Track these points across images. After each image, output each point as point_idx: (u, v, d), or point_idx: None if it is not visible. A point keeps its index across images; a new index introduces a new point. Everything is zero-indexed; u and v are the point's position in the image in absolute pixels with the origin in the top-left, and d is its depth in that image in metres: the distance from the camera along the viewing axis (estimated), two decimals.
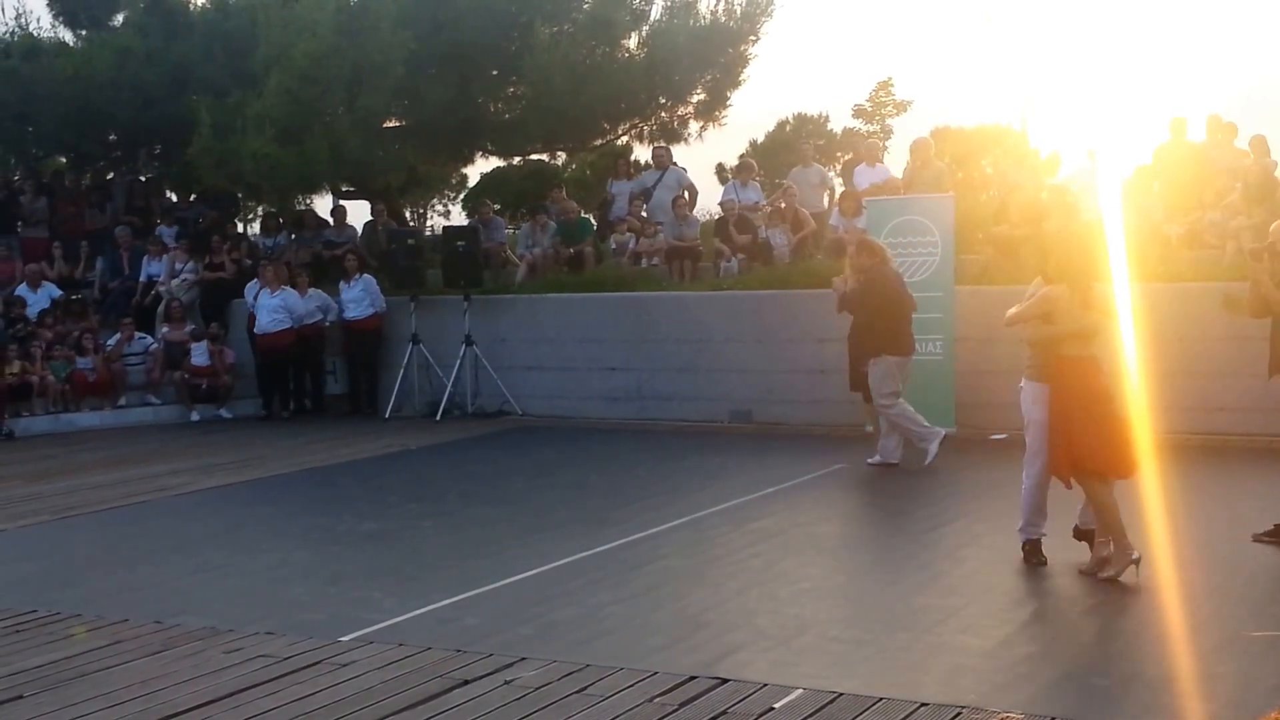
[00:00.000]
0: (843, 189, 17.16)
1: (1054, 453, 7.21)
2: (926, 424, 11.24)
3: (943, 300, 12.92)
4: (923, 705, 5.24)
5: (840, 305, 11.49)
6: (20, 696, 5.79)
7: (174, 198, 20.43)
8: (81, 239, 18.64)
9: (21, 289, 17.13)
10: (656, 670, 5.78)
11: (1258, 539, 7.84)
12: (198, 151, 17.13)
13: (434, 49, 17.25)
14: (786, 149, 23.32)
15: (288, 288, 16.22)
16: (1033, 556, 7.55)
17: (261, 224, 20.06)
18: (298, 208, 19.76)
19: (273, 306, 16.09)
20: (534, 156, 21.38)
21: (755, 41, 18.55)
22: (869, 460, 11.32)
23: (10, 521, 10.05)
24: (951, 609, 6.70)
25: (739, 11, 18.27)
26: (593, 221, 17.93)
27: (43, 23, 26.20)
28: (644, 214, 16.77)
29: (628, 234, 16.59)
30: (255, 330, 16.27)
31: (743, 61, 18.70)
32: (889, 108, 50.50)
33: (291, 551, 8.77)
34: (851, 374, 11.92)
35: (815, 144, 22.50)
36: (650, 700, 5.42)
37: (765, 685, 5.55)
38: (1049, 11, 66.12)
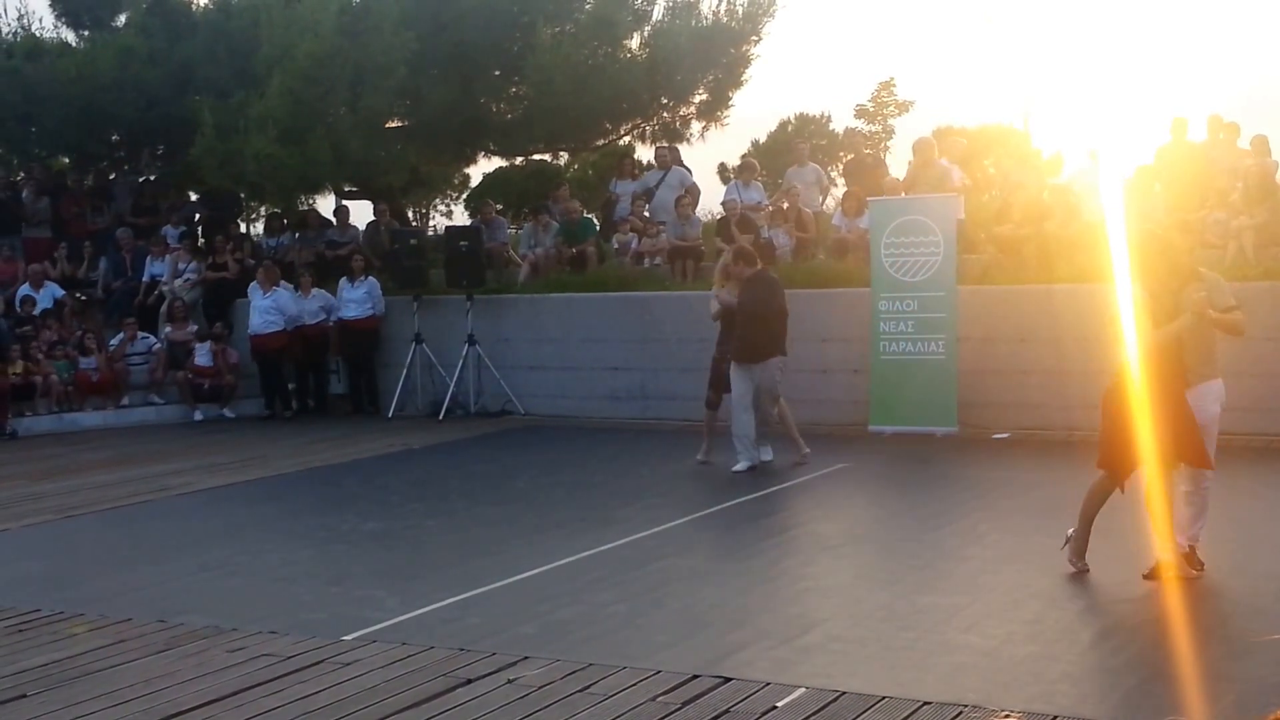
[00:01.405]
0: (845, 188, 17.17)
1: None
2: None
3: (945, 300, 12.93)
4: (925, 704, 5.25)
5: (733, 312, 11.17)
6: (24, 695, 5.80)
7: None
8: (85, 239, 18.66)
9: (25, 289, 17.14)
10: (659, 669, 5.79)
11: None
12: (201, 152, 17.15)
13: (436, 49, 17.26)
14: (788, 149, 23.42)
15: (280, 288, 16.24)
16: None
17: (265, 224, 20.09)
18: (301, 208, 19.78)
19: (264, 308, 16.13)
20: (536, 157, 21.40)
21: (757, 41, 18.58)
22: (735, 469, 11.04)
23: (14, 521, 10.06)
24: (954, 608, 6.71)
25: (741, 11, 18.28)
26: (595, 221, 17.94)
27: (45, 23, 26.19)
28: (646, 214, 16.78)
29: (630, 234, 16.60)
30: (249, 331, 16.32)
31: (744, 61, 18.71)
32: (891, 108, 50.56)
33: (294, 551, 8.78)
34: (721, 381, 11.47)
35: (813, 144, 22.41)
36: (653, 699, 5.42)
37: (768, 684, 5.56)
38: (1049, 11, 66.07)
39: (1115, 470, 7.26)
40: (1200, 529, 7.23)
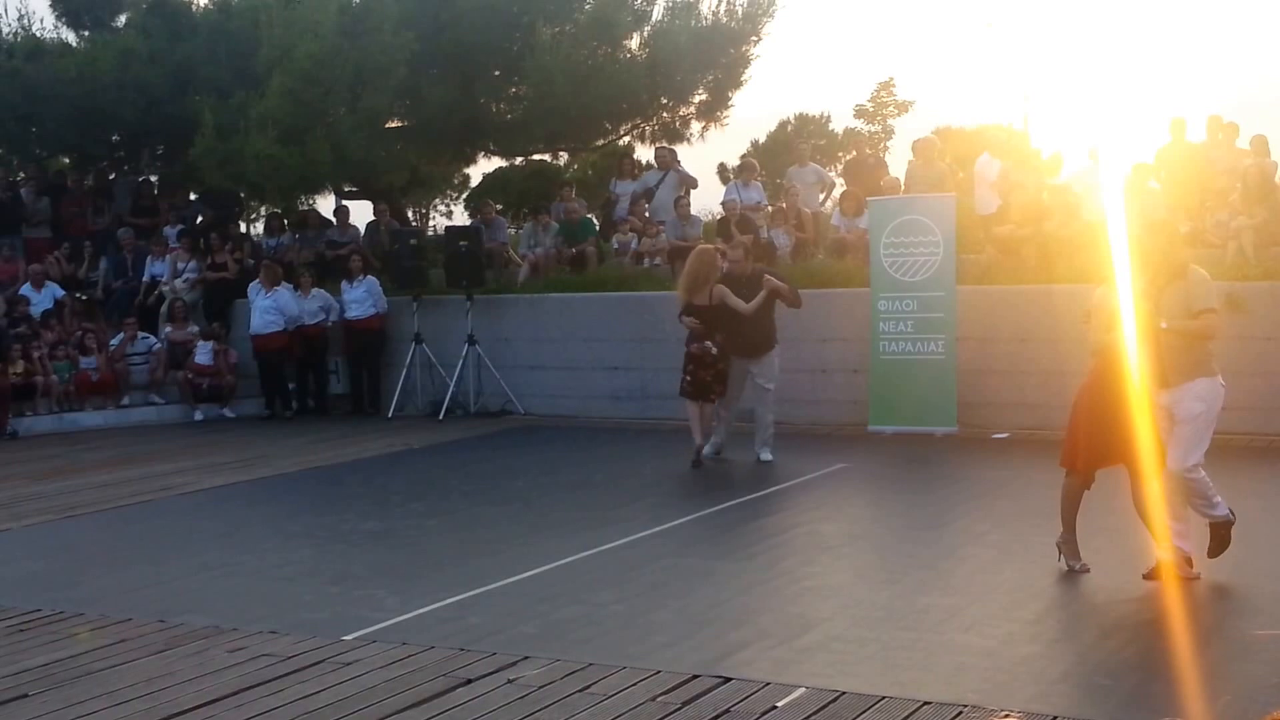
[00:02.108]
0: (844, 188, 17.20)
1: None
2: None
3: (944, 300, 12.94)
4: (925, 704, 5.25)
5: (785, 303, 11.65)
6: (25, 695, 5.80)
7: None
8: (85, 239, 18.67)
9: (25, 289, 17.15)
10: (659, 669, 5.79)
11: None
12: (201, 152, 17.16)
13: (436, 49, 17.27)
14: (788, 149, 23.57)
15: (281, 288, 16.25)
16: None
17: (265, 224, 20.10)
18: (301, 208, 19.79)
19: (265, 308, 16.13)
20: (536, 157, 21.42)
21: (757, 42, 18.62)
22: (708, 454, 11.67)
23: (15, 521, 10.07)
24: (954, 608, 6.71)
25: (740, 12, 18.31)
26: (595, 221, 17.95)
27: (46, 23, 26.27)
28: (646, 214, 16.80)
29: (630, 234, 16.61)
30: (250, 331, 16.33)
31: (744, 62, 18.74)
32: (890, 108, 50.65)
33: (295, 551, 8.78)
34: (727, 376, 11.72)
35: (814, 144, 22.50)
36: (653, 699, 5.43)
37: (768, 684, 5.56)
38: (1049, 12, 66.18)
39: (1074, 468, 7.28)
40: (1214, 512, 7.16)
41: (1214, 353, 7.13)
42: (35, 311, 16.72)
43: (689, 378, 11.60)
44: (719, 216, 17.68)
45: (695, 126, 19.16)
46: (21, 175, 19.92)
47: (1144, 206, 12.78)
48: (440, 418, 15.38)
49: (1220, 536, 7.22)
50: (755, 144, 40.32)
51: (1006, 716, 5.08)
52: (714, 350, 11.48)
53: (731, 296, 11.42)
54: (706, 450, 11.68)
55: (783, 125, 45.91)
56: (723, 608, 6.90)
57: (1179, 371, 7.01)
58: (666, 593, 7.24)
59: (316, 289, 16.48)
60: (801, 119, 46.35)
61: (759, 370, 11.57)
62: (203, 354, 16.47)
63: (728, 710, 5.29)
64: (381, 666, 5.99)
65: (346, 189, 19.72)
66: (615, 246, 16.77)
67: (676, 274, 15.63)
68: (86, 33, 20.43)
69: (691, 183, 17.30)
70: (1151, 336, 6.98)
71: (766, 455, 11.59)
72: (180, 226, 18.49)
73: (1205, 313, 6.99)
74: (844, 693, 5.41)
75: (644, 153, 19.64)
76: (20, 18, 19.92)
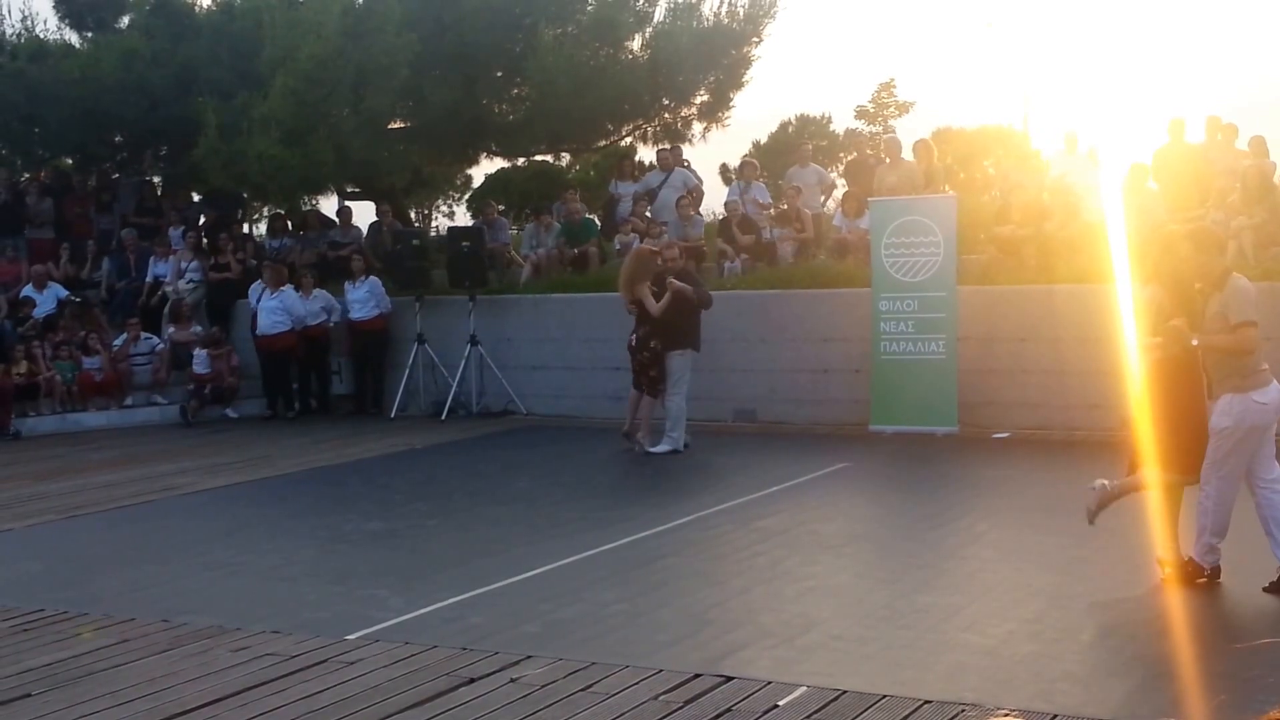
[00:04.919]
0: (845, 189, 17.23)
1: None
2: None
3: (945, 300, 12.96)
4: (925, 703, 5.28)
5: (692, 305, 12.19)
6: (28, 695, 5.83)
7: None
8: (88, 240, 18.69)
9: (28, 290, 17.17)
10: (661, 668, 5.82)
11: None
12: (204, 153, 17.17)
13: (439, 50, 17.29)
14: (789, 150, 23.65)
15: (286, 289, 16.27)
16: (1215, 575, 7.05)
17: (267, 225, 20.13)
18: (303, 208, 19.81)
19: (271, 308, 16.15)
20: (538, 157, 21.44)
21: (758, 43, 18.66)
22: (652, 448, 12.23)
23: (18, 521, 10.10)
24: (954, 607, 6.73)
25: (742, 13, 18.34)
26: (597, 222, 17.98)
27: (49, 24, 26.22)
28: (648, 214, 16.81)
29: (632, 234, 16.62)
30: (256, 332, 16.35)
31: (746, 63, 18.77)
32: (891, 109, 50.59)
33: (298, 550, 8.81)
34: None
35: (813, 144, 22.53)
36: (655, 698, 5.45)
37: (769, 683, 5.59)
38: (1049, 12, 66.17)
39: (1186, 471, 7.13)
40: (1207, 541, 7.04)
41: (1255, 367, 6.79)
42: (38, 313, 16.74)
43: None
44: (721, 217, 17.71)
45: (697, 127, 19.23)
46: (25, 176, 19.94)
47: (1141, 206, 12.80)
48: (443, 418, 15.40)
49: (1185, 574, 6.97)
50: (756, 144, 40.34)
51: (1006, 715, 5.11)
52: (633, 342, 12.41)
53: (649, 297, 12.12)
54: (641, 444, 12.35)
55: (784, 126, 45.87)
56: (724, 607, 6.93)
57: (1216, 383, 6.90)
58: (668, 592, 7.27)
59: (318, 290, 16.51)
60: (803, 120, 46.30)
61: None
62: (199, 364, 16.44)
63: (729, 709, 5.31)
64: (384, 666, 6.02)
65: (349, 190, 19.74)
66: (617, 247, 16.79)
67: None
68: (90, 34, 20.45)
69: (697, 191, 17.33)
70: (1164, 352, 6.91)
71: (661, 447, 12.22)
72: (183, 227, 18.52)
73: (1242, 326, 6.67)
74: (845, 691, 5.44)
75: (646, 154, 19.70)
76: (24, 19, 19.99)
